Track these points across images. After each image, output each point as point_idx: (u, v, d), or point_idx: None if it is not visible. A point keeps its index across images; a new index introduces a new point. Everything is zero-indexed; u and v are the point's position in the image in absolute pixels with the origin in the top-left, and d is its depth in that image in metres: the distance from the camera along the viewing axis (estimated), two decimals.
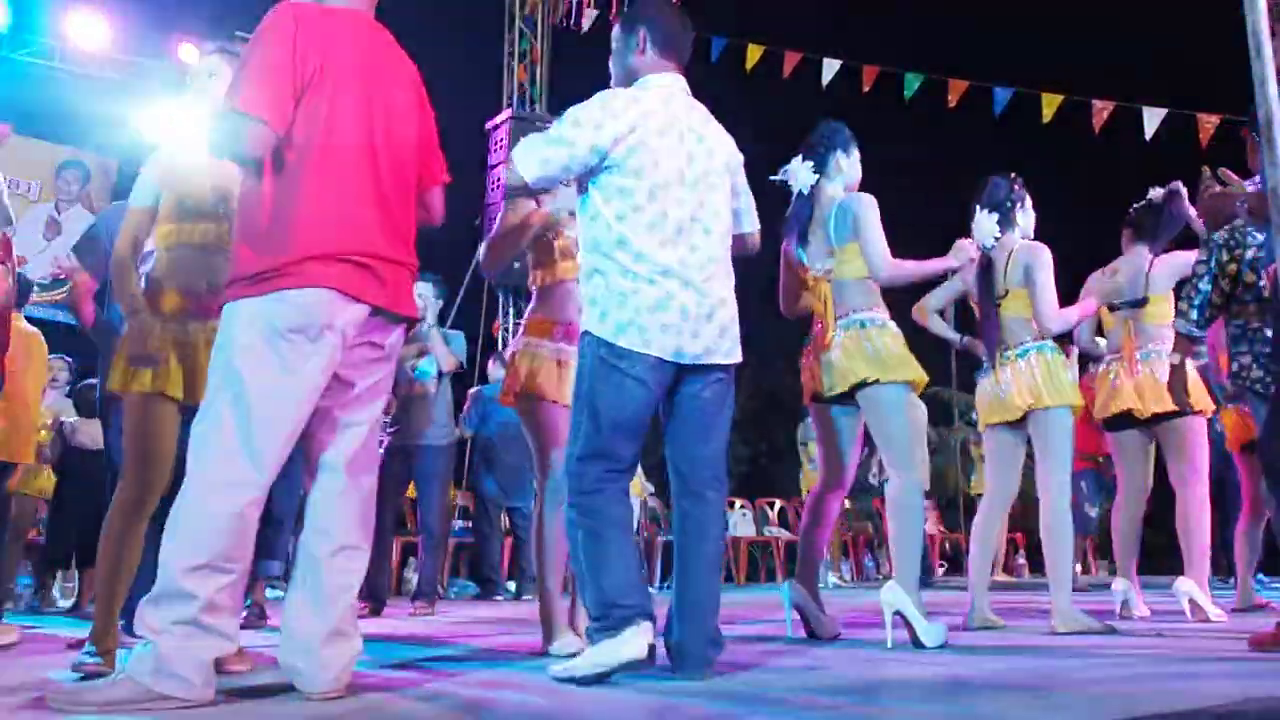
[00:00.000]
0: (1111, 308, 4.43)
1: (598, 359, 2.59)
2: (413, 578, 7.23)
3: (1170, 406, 4.22)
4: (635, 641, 2.43)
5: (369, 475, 2.42)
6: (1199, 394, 4.28)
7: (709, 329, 2.64)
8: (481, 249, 3.38)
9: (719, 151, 2.78)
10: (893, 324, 3.44)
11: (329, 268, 2.24)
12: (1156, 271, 4.35)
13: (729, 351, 2.69)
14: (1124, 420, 4.34)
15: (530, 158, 2.63)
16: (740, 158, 2.88)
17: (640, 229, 2.60)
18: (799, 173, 3.58)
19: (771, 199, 3.69)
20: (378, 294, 2.33)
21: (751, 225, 2.92)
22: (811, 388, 3.54)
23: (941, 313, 4.20)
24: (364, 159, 2.34)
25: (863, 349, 3.35)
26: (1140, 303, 4.37)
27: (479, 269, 3.55)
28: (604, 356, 2.58)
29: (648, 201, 2.62)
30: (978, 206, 3.88)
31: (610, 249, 2.62)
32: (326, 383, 2.30)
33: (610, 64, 2.89)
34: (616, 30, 2.89)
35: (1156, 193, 4.43)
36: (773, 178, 3.64)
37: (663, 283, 2.59)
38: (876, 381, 3.32)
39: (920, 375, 3.38)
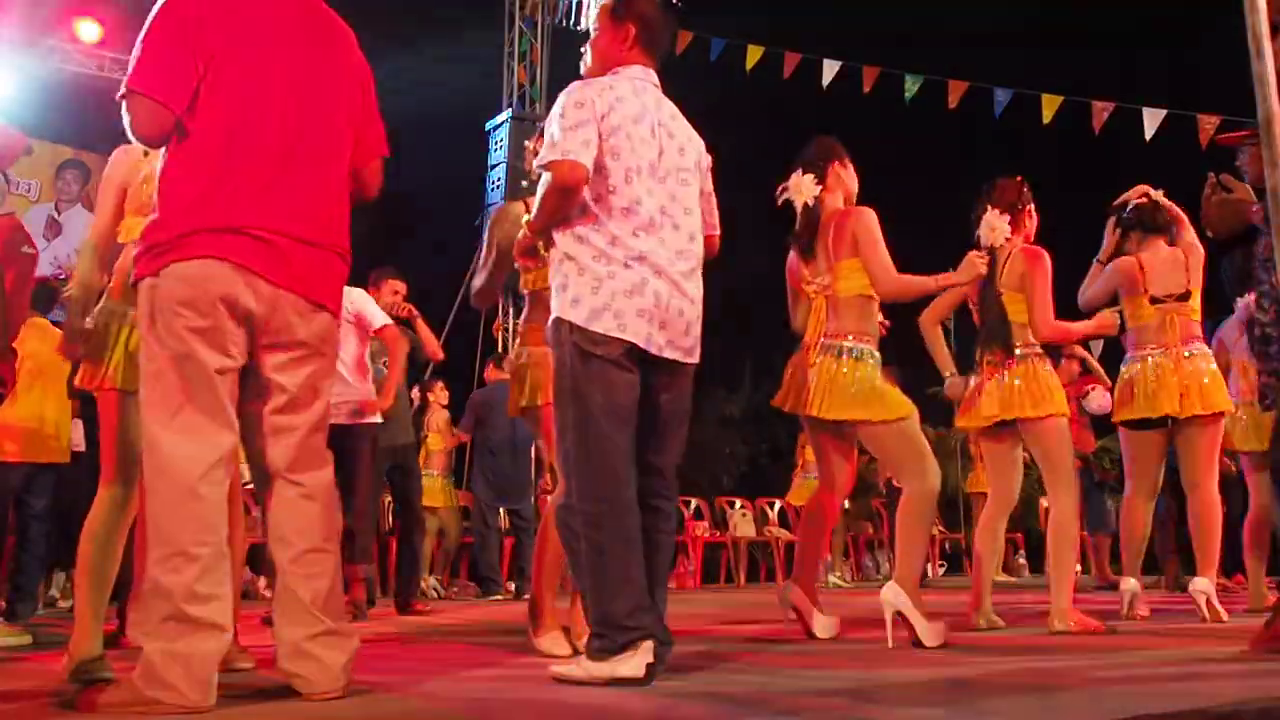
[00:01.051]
0: (1153, 300, 4.30)
1: (574, 348, 2.51)
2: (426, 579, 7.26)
3: (1207, 410, 4.15)
4: (634, 662, 2.36)
5: (317, 472, 2.33)
6: (1222, 395, 4.25)
7: (676, 324, 2.60)
8: (476, 284, 3.42)
9: (689, 150, 2.75)
10: (873, 355, 3.43)
11: (217, 238, 2.16)
12: (1194, 264, 4.27)
13: (689, 350, 2.66)
14: (1145, 419, 4.29)
15: (574, 148, 2.50)
16: (709, 159, 2.85)
17: (615, 213, 2.56)
18: (802, 187, 3.56)
19: (772, 203, 3.69)
20: (280, 273, 2.21)
21: (712, 228, 2.87)
22: (794, 400, 3.50)
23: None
24: (267, 129, 2.24)
25: (841, 384, 3.34)
26: (1185, 296, 4.28)
27: (470, 303, 3.59)
28: (578, 343, 2.51)
29: (623, 184, 2.57)
30: (989, 205, 3.86)
31: (585, 232, 2.56)
32: (241, 360, 2.21)
33: (587, 47, 2.83)
34: (604, 18, 2.79)
35: (1135, 195, 4.42)
36: (778, 201, 3.65)
37: (637, 268, 2.54)
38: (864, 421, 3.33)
39: (900, 410, 3.35)
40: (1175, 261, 4.30)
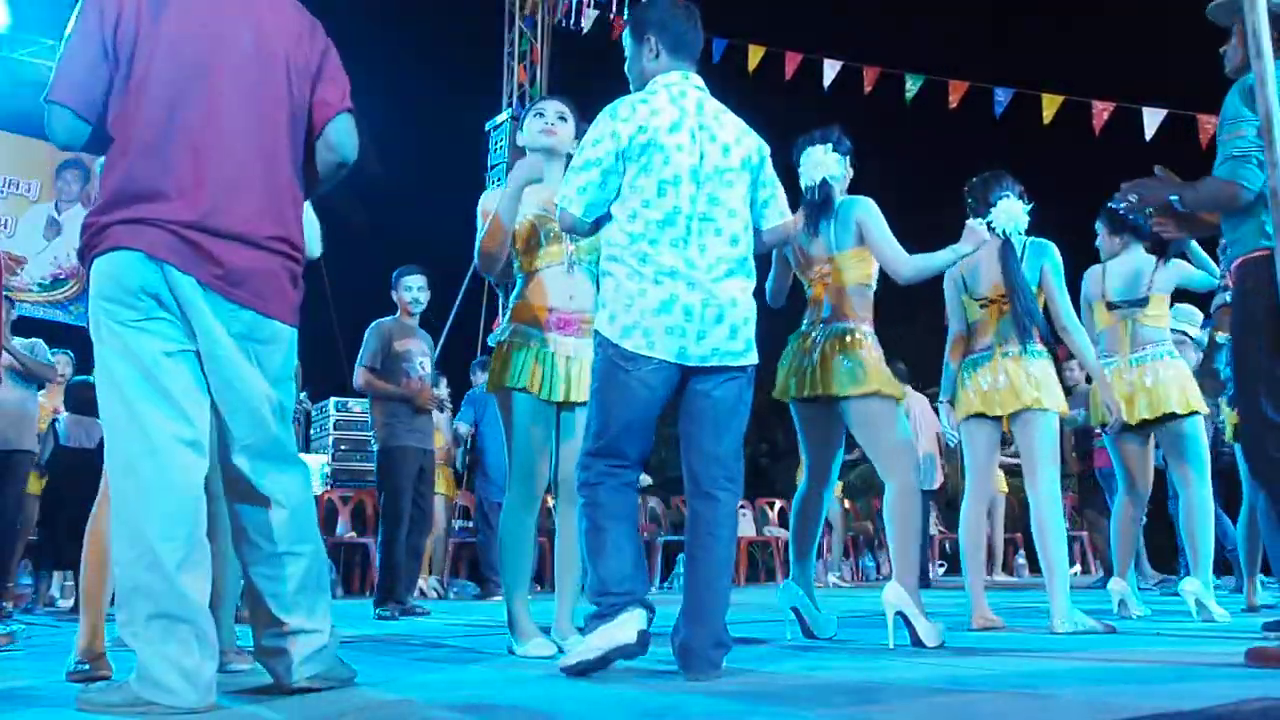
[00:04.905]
0: (1110, 306, 4.42)
1: (607, 360, 2.64)
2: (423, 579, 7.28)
3: (1171, 409, 4.22)
4: (626, 626, 2.49)
5: (280, 475, 2.28)
6: (1195, 395, 4.28)
7: (718, 331, 2.62)
8: (476, 253, 3.33)
9: (735, 149, 2.74)
10: (872, 336, 3.42)
11: (129, 229, 2.14)
12: (1160, 274, 4.37)
13: (740, 354, 2.67)
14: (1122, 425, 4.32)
15: (570, 194, 2.68)
16: (766, 150, 2.84)
17: (651, 227, 2.61)
18: (832, 164, 3.48)
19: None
20: (197, 268, 2.15)
21: (783, 216, 2.88)
22: (787, 386, 3.48)
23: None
24: (190, 119, 2.20)
25: (840, 361, 3.33)
26: (1141, 302, 4.38)
27: (478, 271, 3.51)
28: (611, 358, 2.62)
29: (657, 197, 2.62)
30: (1005, 193, 3.84)
31: (621, 250, 2.64)
32: (190, 344, 2.18)
33: (626, 68, 2.89)
34: (626, 36, 2.88)
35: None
36: (797, 161, 3.55)
37: (668, 284, 2.59)
38: (855, 396, 3.31)
39: (896, 391, 3.35)
40: (1135, 268, 4.41)
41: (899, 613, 3.20)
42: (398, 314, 5.58)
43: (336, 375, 5.60)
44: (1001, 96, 9.11)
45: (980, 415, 3.87)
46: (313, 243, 4.16)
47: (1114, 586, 4.35)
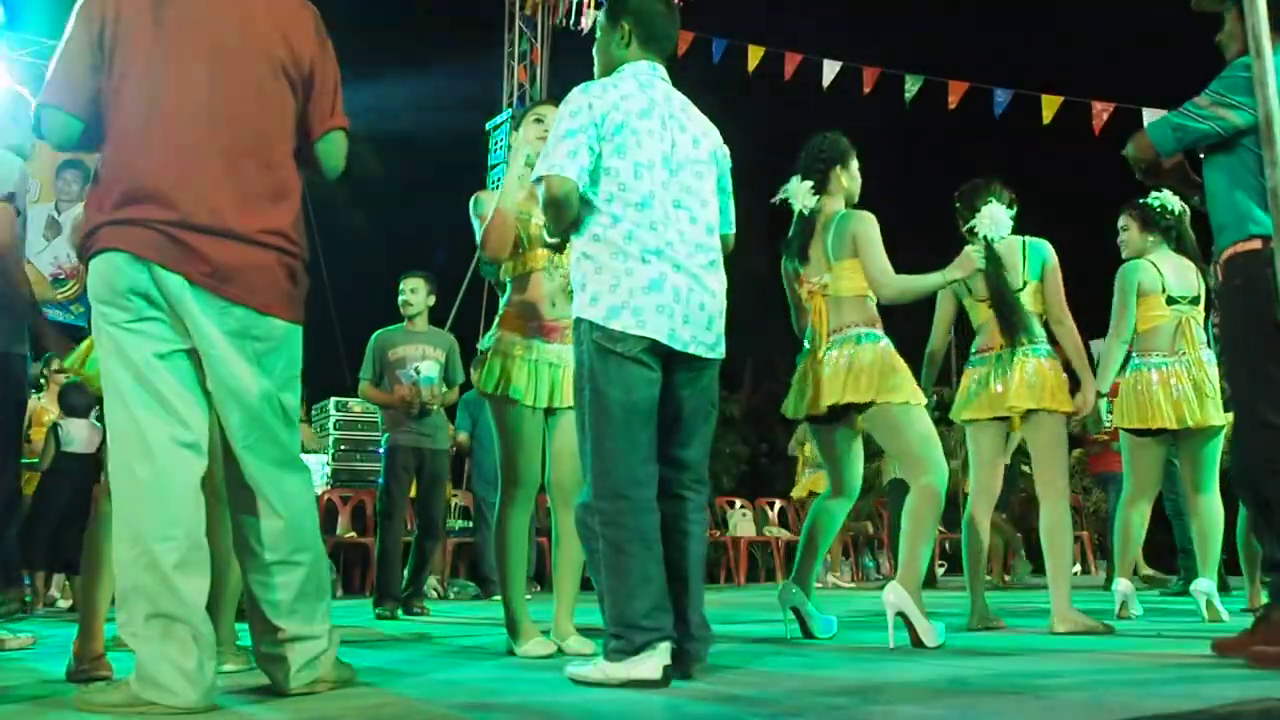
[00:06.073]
0: (1170, 300, 4.32)
1: (594, 346, 2.49)
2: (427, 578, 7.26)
3: (1216, 422, 4.17)
4: (650, 663, 2.33)
5: (280, 481, 2.26)
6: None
7: (699, 318, 2.58)
8: (480, 240, 3.26)
9: (704, 141, 2.72)
10: (885, 340, 3.41)
11: (117, 230, 2.14)
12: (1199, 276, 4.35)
13: (713, 346, 2.63)
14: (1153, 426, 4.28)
15: (560, 159, 2.51)
16: (727, 152, 2.82)
17: (630, 209, 2.53)
18: (800, 194, 3.54)
19: (773, 205, 3.68)
20: (186, 266, 2.14)
21: (729, 226, 2.84)
22: (798, 404, 3.49)
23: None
24: (178, 121, 2.20)
25: (854, 370, 3.32)
26: (1195, 300, 4.34)
27: (480, 264, 3.49)
28: (599, 341, 2.48)
29: (633, 179, 2.55)
30: (994, 199, 3.85)
31: (601, 230, 2.54)
32: (184, 343, 2.18)
33: (594, 50, 2.83)
34: (600, 18, 2.81)
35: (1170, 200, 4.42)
36: (774, 201, 3.63)
37: (655, 263, 2.52)
38: (873, 404, 3.31)
39: (916, 396, 3.34)
40: (1182, 265, 4.36)
41: (899, 613, 3.20)
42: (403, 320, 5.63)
43: (337, 375, 5.60)
44: (1001, 96, 9.10)
45: (984, 419, 3.87)
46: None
47: (1118, 587, 4.34)
